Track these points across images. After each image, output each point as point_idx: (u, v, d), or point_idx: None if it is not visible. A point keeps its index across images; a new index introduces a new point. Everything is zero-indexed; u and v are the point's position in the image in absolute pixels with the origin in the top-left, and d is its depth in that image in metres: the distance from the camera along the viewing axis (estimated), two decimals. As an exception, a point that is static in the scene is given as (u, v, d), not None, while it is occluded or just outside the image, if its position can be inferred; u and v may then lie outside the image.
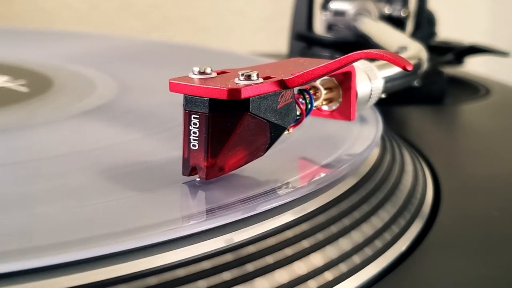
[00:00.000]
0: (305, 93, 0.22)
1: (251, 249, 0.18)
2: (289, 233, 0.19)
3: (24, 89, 0.32)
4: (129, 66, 0.40)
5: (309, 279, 0.18)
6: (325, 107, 0.23)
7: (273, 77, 0.20)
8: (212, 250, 0.17)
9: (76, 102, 0.31)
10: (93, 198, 0.19)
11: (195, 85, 0.19)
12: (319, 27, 0.51)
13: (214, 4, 0.82)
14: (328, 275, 0.19)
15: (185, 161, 0.20)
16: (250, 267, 0.18)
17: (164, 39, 0.72)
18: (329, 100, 0.23)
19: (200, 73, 0.20)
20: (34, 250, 0.16)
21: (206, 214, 0.18)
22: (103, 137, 0.25)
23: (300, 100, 0.22)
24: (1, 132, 0.26)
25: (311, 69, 0.20)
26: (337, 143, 0.25)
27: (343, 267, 0.19)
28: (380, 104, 0.27)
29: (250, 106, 0.19)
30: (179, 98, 0.19)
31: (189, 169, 0.20)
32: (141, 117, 0.28)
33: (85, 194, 0.19)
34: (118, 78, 0.35)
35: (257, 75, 0.19)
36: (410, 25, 0.48)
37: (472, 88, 0.47)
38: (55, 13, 0.76)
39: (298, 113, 0.21)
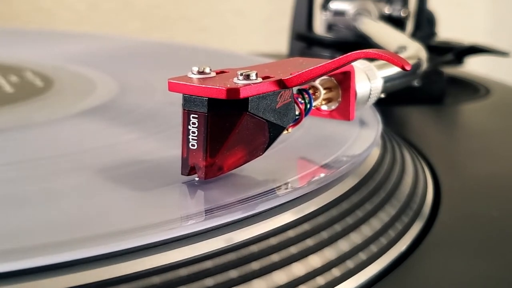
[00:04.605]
0: (304, 93, 0.22)
1: (250, 249, 0.18)
2: (288, 234, 0.19)
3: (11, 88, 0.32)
4: (129, 66, 0.40)
5: (310, 278, 0.18)
6: (324, 107, 0.23)
7: (272, 77, 0.20)
8: (211, 250, 0.17)
9: (76, 102, 0.31)
10: (92, 197, 0.19)
11: (194, 84, 0.19)
12: (319, 27, 0.51)
13: (214, 4, 0.82)
14: (332, 274, 0.19)
15: (184, 160, 0.20)
16: (250, 267, 0.17)
17: (164, 39, 0.72)
18: (328, 100, 0.23)
19: (199, 72, 0.20)
20: (34, 249, 0.15)
21: (205, 214, 0.18)
22: (103, 137, 0.25)
23: (299, 99, 0.21)
24: (1, 132, 0.26)
25: (309, 68, 0.20)
26: (337, 143, 0.25)
27: (344, 267, 0.19)
28: (380, 104, 0.27)
29: (249, 106, 0.19)
30: (179, 98, 0.19)
31: (188, 169, 0.20)
32: (141, 117, 0.28)
33: (84, 193, 0.19)
34: (118, 78, 0.35)
35: (256, 74, 0.19)
36: (410, 25, 0.48)
37: (472, 88, 0.47)
38: (55, 13, 0.76)
39: (297, 112, 0.21)
